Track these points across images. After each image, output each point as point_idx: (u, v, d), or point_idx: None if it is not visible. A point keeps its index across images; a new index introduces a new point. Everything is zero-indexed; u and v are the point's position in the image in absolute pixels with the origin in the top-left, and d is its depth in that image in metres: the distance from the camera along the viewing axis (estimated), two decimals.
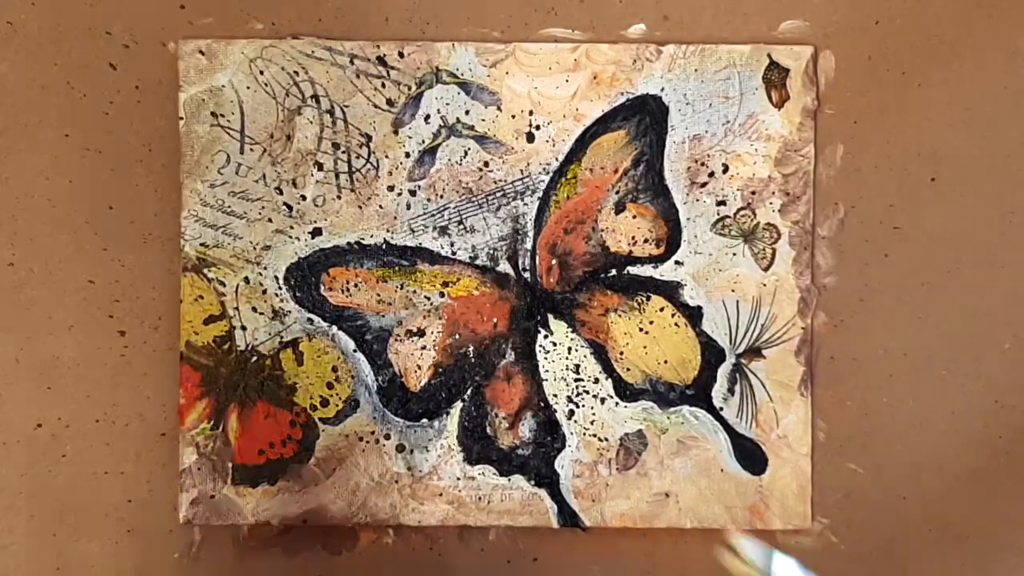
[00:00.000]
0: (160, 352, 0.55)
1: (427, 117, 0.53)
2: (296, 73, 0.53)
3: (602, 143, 0.54)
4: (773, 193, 0.54)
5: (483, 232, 0.54)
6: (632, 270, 0.54)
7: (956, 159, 0.54)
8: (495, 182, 0.54)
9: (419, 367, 0.54)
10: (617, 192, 0.54)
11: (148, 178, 0.54)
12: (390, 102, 0.53)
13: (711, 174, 0.54)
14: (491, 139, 0.53)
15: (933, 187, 0.55)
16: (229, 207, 0.53)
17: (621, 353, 0.54)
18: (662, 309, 0.54)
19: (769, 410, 0.54)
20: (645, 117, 0.53)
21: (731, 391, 0.54)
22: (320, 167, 0.53)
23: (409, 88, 0.53)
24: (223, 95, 0.53)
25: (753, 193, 0.54)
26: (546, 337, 0.54)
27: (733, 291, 0.54)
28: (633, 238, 0.54)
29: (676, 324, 0.54)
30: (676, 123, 0.53)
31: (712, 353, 0.54)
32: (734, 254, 0.54)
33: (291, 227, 0.54)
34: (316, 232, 0.54)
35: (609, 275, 0.54)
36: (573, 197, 0.54)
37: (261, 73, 0.53)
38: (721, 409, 0.54)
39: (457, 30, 0.54)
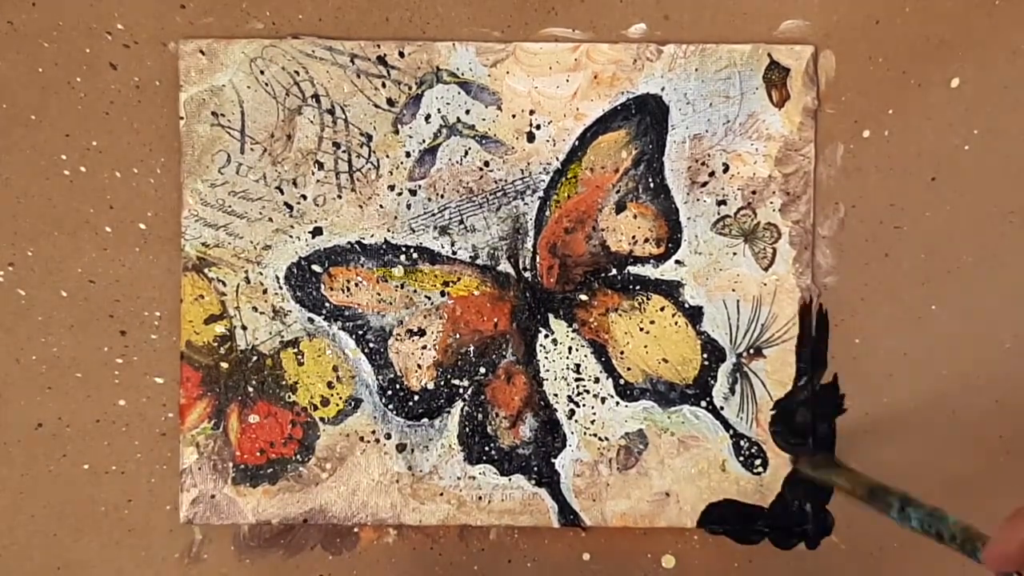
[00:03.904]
0: (160, 352, 0.55)
1: (427, 117, 0.53)
2: (296, 73, 0.53)
3: (602, 143, 0.54)
4: (773, 193, 0.54)
5: (484, 232, 0.54)
6: (632, 270, 0.54)
7: (956, 159, 0.54)
8: (495, 182, 0.54)
9: (420, 367, 0.54)
10: (618, 192, 0.54)
11: (148, 178, 0.54)
12: (390, 102, 0.53)
13: (711, 174, 0.54)
14: (491, 139, 0.53)
15: (933, 187, 0.55)
16: (230, 207, 0.53)
17: (622, 353, 0.54)
18: (662, 309, 0.54)
19: (770, 409, 0.54)
20: (645, 117, 0.53)
21: (732, 390, 0.54)
22: (320, 167, 0.53)
23: (409, 88, 0.53)
24: (223, 95, 0.53)
25: (753, 193, 0.54)
26: (547, 337, 0.54)
27: (733, 291, 0.54)
28: (634, 237, 0.54)
29: (676, 324, 0.54)
30: (676, 123, 0.53)
31: (712, 353, 0.54)
32: (734, 254, 0.54)
33: (292, 227, 0.54)
34: (316, 232, 0.54)
35: (610, 275, 0.54)
36: (573, 197, 0.54)
37: (262, 73, 0.53)
38: (722, 408, 0.54)
39: (457, 30, 0.54)
